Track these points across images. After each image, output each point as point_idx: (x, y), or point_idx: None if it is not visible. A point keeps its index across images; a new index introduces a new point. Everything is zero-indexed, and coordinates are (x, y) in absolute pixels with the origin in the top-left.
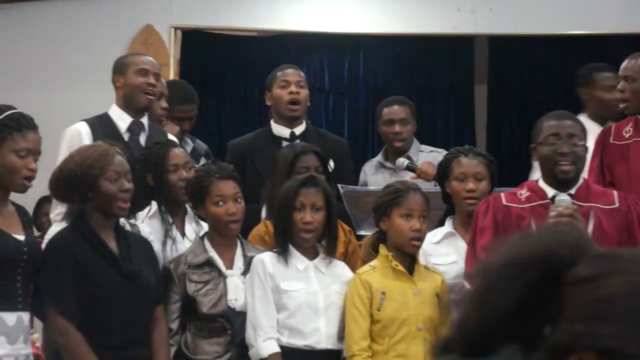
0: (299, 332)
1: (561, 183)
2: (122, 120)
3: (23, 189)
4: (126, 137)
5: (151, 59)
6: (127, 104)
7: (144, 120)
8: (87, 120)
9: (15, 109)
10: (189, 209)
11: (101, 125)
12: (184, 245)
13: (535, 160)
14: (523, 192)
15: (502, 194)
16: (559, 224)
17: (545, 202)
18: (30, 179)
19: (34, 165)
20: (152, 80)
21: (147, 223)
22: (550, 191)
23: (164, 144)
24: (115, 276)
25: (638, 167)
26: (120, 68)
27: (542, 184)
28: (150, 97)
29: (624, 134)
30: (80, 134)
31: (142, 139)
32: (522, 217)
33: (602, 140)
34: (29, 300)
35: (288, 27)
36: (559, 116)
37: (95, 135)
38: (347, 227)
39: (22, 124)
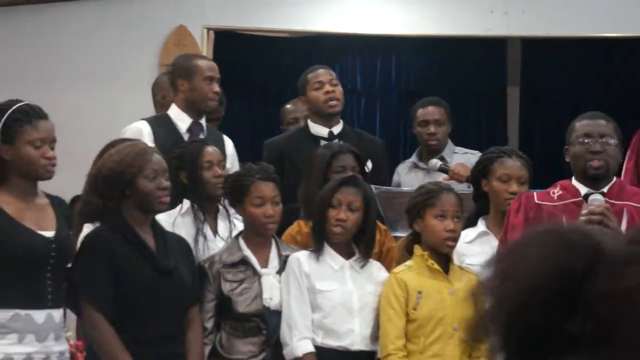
0: (333, 332)
1: (593, 180)
2: (181, 120)
3: (47, 176)
4: (186, 137)
5: (213, 63)
6: (189, 107)
7: (203, 121)
8: (147, 119)
9: (21, 101)
10: (221, 207)
11: (161, 125)
12: (216, 243)
13: (568, 160)
14: (556, 191)
15: (534, 193)
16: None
17: (578, 199)
18: (50, 165)
19: (51, 153)
20: (217, 88)
21: (180, 221)
22: (582, 189)
23: (197, 142)
24: (151, 272)
25: None
26: (185, 72)
27: (574, 182)
28: (215, 104)
29: None
30: (142, 132)
31: None
32: (554, 215)
33: (638, 142)
34: (64, 295)
35: (320, 28)
36: (591, 116)
37: (156, 134)
38: (382, 227)
39: (32, 114)
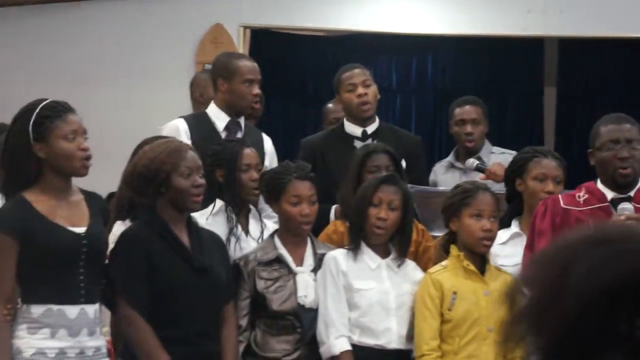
0: (370, 331)
1: (620, 186)
2: (219, 119)
3: (84, 171)
4: (223, 135)
5: (255, 64)
6: (228, 107)
7: (241, 120)
8: (184, 117)
9: (46, 99)
10: (252, 207)
11: (198, 123)
12: (248, 243)
13: (593, 164)
14: (581, 195)
15: (560, 196)
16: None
17: (605, 205)
18: (87, 159)
19: (85, 145)
20: (257, 90)
21: (212, 220)
22: (609, 193)
23: (237, 142)
24: (187, 270)
25: None
26: (225, 72)
27: (600, 186)
28: (257, 106)
29: None
30: (179, 130)
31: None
32: (581, 220)
33: None
34: (99, 291)
35: (356, 27)
36: (616, 120)
37: (193, 132)
38: (420, 226)
39: (59, 109)
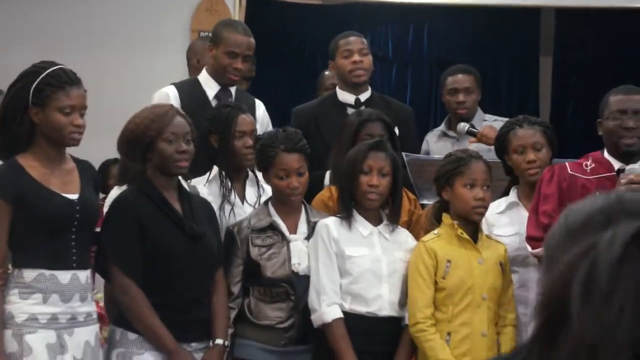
0: (361, 298)
1: (625, 156)
2: (210, 87)
3: (74, 143)
4: (214, 103)
5: (244, 38)
6: (214, 74)
7: (232, 88)
8: (175, 84)
9: (57, 64)
10: (250, 172)
11: (189, 90)
12: (243, 210)
13: (601, 134)
14: (588, 164)
15: (567, 164)
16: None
17: (611, 174)
18: (78, 133)
19: (80, 121)
20: (239, 64)
21: (207, 186)
22: (616, 164)
23: (233, 108)
24: (180, 236)
25: None
26: (216, 39)
27: (607, 155)
28: (234, 78)
29: None
30: (169, 97)
31: None
32: (587, 187)
33: None
34: (91, 258)
35: None
36: (626, 91)
37: (183, 99)
38: (412, 196)
39: (65, 80)
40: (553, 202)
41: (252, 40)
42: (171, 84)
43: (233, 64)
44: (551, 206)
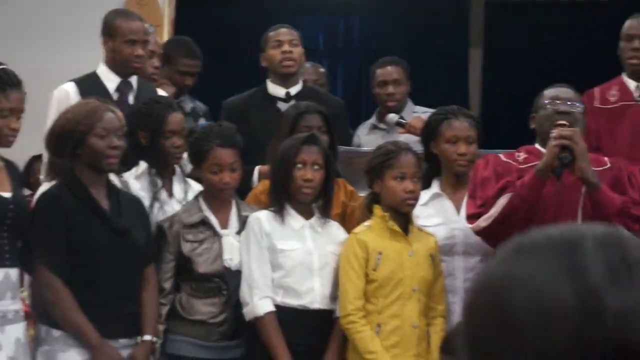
0: (293, 291)
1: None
2: (110, 80)
3: (7, 145)
4: (115, 97)
5: (139, 23)
6: (115, 67)
7: (133, 79)
8: (75, 80)
9: (1, 64)
10: (177, 168)
11: (89, 85)
12: (171, 206)
13: (533, 127)
14: (521, 154)
15: (500, 154)
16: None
17: None
18: (12, 136)
19: (15, 125)
20: (139, 51)
21: (135, 182)
22: None
23: (165, 105)
24: (105, 232)
25: (625, 132)
26: (109, 31)
27: (539, 147)
28: (138, 66)
29: (610, 98)
30: (69, 95)
31: (131, 99)
32: (521, 175)
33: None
34: (19, 255)
35: None
36: (557, 85)
37: (84, 95)
38: (349, 188)
39: (5, 81)
40: (491, 184)
41: (146, 24)
42: (70, 80)
43: (134, 52)
44: (490, 190)
